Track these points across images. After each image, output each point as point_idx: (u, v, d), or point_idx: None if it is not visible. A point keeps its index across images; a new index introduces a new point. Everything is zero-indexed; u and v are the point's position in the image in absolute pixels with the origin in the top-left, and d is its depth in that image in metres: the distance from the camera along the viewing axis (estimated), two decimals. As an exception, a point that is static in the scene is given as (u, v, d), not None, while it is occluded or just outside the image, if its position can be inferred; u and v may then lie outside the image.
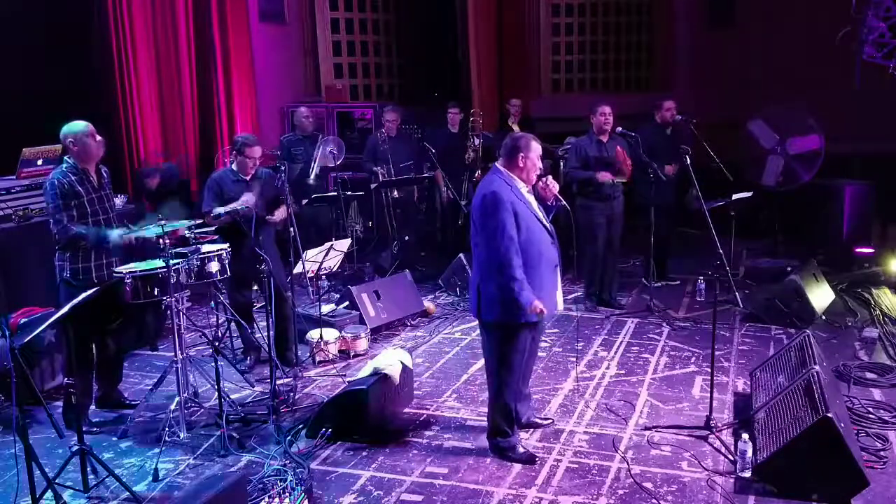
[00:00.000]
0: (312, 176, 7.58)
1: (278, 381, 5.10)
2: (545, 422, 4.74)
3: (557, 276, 4.32)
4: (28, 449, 3.56)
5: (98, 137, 4.65)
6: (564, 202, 4.36)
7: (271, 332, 5.28)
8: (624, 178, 6.72)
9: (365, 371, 4.84)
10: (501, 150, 4.23)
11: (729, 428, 4.59)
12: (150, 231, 4.59)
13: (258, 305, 6.41)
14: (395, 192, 8.28)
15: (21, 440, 3.58)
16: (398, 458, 4.36)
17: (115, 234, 4.58)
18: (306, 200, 7.45)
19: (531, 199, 4.21)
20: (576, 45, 11.43)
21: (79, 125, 4.61)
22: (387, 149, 8.06)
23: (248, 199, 5.29)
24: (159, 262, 4.61)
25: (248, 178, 5.51)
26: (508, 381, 4.25)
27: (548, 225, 4.23)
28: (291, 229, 5.47)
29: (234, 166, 5.54)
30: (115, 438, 4.65)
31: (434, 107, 9.34)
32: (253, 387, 5.37)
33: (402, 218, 8.41)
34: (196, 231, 5.48)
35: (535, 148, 4.18)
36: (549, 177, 4.31)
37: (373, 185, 8.70)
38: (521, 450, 4.33)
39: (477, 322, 4.37)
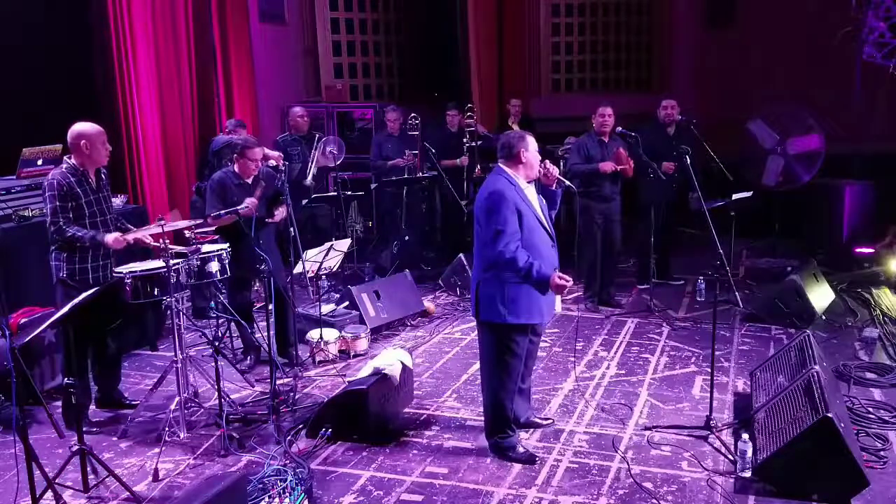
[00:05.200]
0: (310, 177, 7.57)
1: (278, 381, 5.10)
2: (545, 422, 4.74)
3: None
4: (28, 449, 3.56)
5: (109, 147, 4.65)
6: (568, 183, 4.40)
7: (271, 332, 5.28)
8: (627, 175, 6.74)
9: (365, 371, 4.84)
10: (499, 151, 4.25)
11: (729, 428, 4.59)
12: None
13: (258, 305, 6.41)
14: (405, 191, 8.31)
15: (21, 440, 3.58)
16: (398, 458, 4.36)
17: (111, 237, 4.56)
18: (306, 200, 7.44)
19: (534, 199, 4.23)
20: (576, 45, 11.43)
21: (94, 128, 4.60)
22: (394, 144, 8.15)
23: (250, 203, 5.28)
24: (159, 262, 4.62)
25: (249, 180, 5.49)
26: (505, 383, 4.25)
27: (549, 228, 4.25)
28: (291, 229, 5.47)
29: (234, 168, 5.53)
30: (115, 438, 4.65)
31: (434, 107, 9.33)
32: (253, 387, 5.37)
33: (401, 218, 8.41)
34: (196, 231, 5.48)
35: (531, 141, 4.24)
36: (547, 161, 4.34)
37: (373, 185, 8.70)
38: (521, 450, 4.33)
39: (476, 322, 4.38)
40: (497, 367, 4.23)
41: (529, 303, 4.12)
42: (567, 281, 4.05)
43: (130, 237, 4.62)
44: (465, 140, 8.47)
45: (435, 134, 8.54)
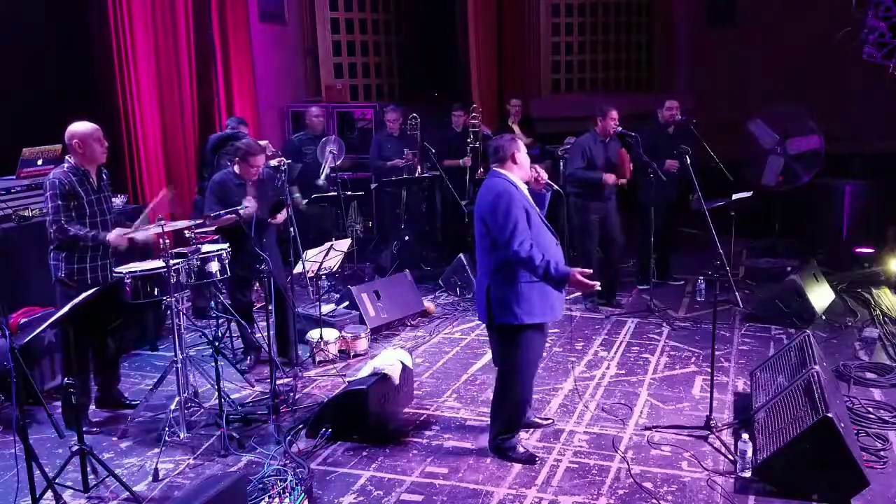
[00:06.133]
0: (323, 176, 7.59)
1: (278, 381, 5.10)
2: (545, 422, 4.74)
3: None
4: (28, 449, 3.56)
5: (105, 143, 4.65)
6: (556, 186, 4.42)
7: (271, 332, 5.28)
8: (624, 180, 6.76)
9: (365, 371, 4.84)
10: (492, 156, 4.27)
11: (729, 428, 4.59)
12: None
13: (258, 305, 6.41)
14: (405, 191, 8.31)
15: (21, 440, 3.58)
16: (398, 458, 4.36)
17: (113, 234, 4.57)
18: (306, 200, 7.45)
19: (532, 200, 4.24)
20: (576, 45, 11.43)
21: (86, 126, 4.59)
22: (394, 144, 8.17)
23: (250, 205, 5.28)
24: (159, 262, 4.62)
25: (251, 182, 5.49)
26: (522, 385, 4.26)
27: (551, 227, 4.25)
28: (291, 229, 5.47)
29: (236, 168, 5.53)
30: (115, 438, 4.65)
31: (434, 107, 9.33)
32: (253, 387, 5.37)
33: (401, 218, 8.42)
34: (196, 231, 5.48)
35: (521, 144, 4.31)
36: (537, 165, 4.37)
37: (373, 185, 8.70)
38: (521, 450, 4.33)
39: (477, 322, 4.37)
40: (516, 369, 4.23)
41: (543, 301, 4.12)
42: (591, 279, 4.03)
43: (132, 234, 4.62)
44: (468, 140, 8.47)
45: (439, 134, 8.54)
